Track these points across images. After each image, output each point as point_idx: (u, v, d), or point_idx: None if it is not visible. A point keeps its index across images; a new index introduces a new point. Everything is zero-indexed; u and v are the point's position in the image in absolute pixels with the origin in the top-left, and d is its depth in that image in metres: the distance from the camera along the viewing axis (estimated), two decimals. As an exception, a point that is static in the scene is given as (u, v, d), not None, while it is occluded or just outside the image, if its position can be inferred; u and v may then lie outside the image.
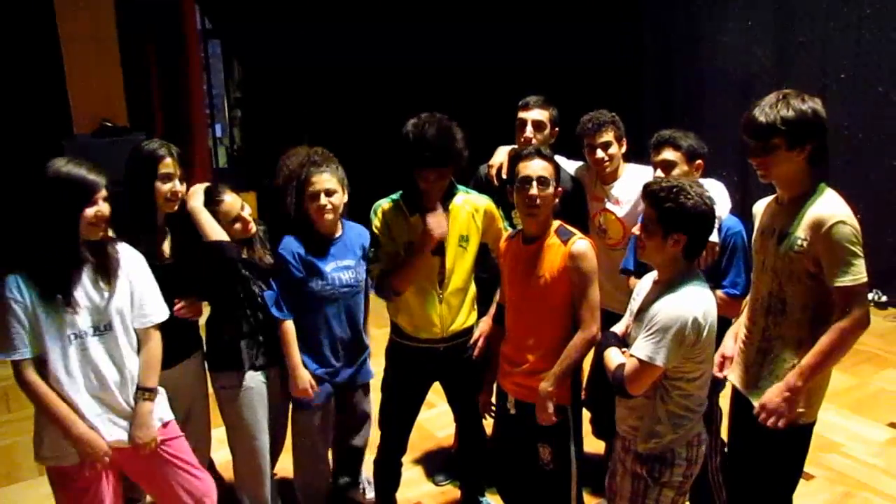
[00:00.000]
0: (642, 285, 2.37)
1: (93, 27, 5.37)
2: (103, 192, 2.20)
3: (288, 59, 6.83)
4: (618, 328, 2.42)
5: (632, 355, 2.15)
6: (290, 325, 2.78)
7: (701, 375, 2.20)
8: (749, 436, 2.36)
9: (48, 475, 2.33)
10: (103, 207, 2.20)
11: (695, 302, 2.10)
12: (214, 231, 2.64)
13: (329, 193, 2.74)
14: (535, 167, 2.49)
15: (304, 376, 2.79)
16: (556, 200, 2.55)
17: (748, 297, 2.50)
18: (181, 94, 5.90)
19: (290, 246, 2.79)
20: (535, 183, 2.47)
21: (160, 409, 2.42)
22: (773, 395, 2.24)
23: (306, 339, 2.83)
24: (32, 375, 2.16)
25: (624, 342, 2.33)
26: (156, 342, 2.41)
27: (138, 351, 2.37)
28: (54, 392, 2.18)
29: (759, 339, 2.37)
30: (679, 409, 2.20)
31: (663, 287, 2.19)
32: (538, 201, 2.48)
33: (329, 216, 2.76)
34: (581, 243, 2.49)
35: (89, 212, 2.16)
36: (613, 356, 2.28)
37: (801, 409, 2.25)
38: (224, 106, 10.58)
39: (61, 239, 2.16)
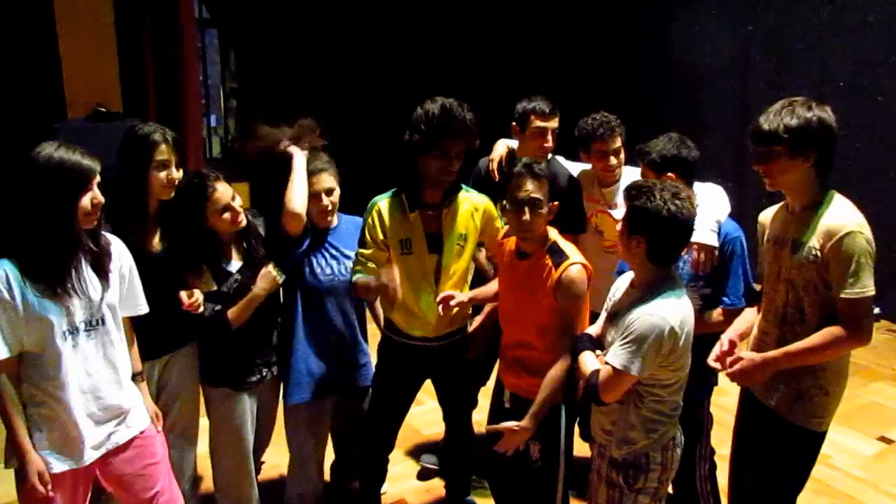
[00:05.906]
0: (618, 285, 2.34)
1: (90, 12, 5.31)
2: (97, 179, 2.06)
3: (284, 49, 6.80)
4: (593, 329, 2.38)
5: (606, 362, 2.11)
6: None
7: (676, 382, 2.17)
8: (758, 440, 2.32)
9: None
10: (99, 194, 2.06)
11: (672, 311, 2.06)
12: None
13: (329, 193, 2.81)
14: (528, 189, 2.42)
15: None
16: (551, 216, 2.50)
17: (762, 306, 2.42)
18: (176, 82, 5.84)
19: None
20: (526, 208, 2.41)
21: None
22: (751, 356, 2.23)
23: (308, 336, 2.84)
24: (2, 379, 2.02)
25: (599, 343, 2.29)
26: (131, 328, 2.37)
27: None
28: (42, 393, 2.05)
29: (775, 348, 2.29)
30: (653, 415, 2.17)
31: (639, 291, 2.16)
32: (530, 226, 2.44)
33: (331, 217, 2.85)
34: (572, 269, 2.41)
35: (86, 199, 2.02)
36: (588, 361, 2.23)
37: (816, 418, 2.23)
38: (219, 96, 10.55)
39: (58, 228, 2.01)
